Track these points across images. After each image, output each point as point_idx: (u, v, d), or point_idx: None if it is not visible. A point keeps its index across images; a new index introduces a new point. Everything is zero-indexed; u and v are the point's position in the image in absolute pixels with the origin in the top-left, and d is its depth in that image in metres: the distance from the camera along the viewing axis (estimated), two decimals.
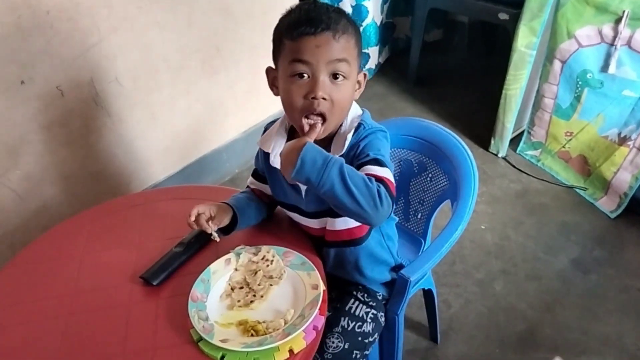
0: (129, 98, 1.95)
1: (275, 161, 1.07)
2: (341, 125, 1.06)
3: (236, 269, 1.08)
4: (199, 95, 2.22)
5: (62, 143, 1.79)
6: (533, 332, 1.71)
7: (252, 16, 2.25)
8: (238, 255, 1.09)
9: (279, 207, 1.26)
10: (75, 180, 1.88)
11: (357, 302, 1.19)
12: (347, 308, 1.18)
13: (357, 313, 1.18)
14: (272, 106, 2.58)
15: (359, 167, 0.98)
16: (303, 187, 1.10)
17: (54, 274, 1.13)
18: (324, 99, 0.96)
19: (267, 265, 1.06)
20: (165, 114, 2.12)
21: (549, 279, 1.90)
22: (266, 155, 1.12)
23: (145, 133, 2.07)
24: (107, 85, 1.85)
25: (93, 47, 1.76)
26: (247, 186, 1.26)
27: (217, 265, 1.07)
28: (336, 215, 1.10)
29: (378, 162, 0.99)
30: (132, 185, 2.09)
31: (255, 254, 1.09)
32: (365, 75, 1.07)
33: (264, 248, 1.10)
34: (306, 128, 0.98)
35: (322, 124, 0.98)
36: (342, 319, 1.16)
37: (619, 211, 2.11)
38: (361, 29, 2.86)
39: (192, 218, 1.07)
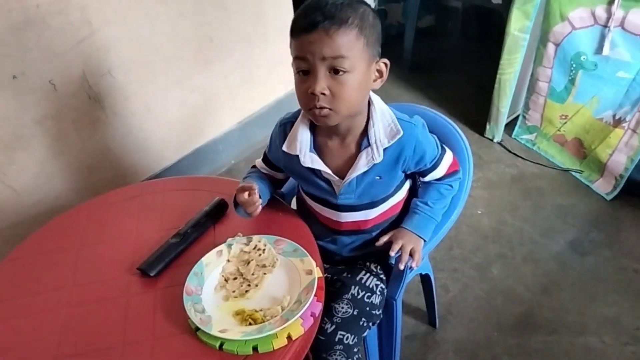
0: (122, 90, 1.94)
1: (307, 161, 1.08)
2: (367, 125, 1.06)
3: (228, 260, 1.08)
4: (193, 87, 2.21)
5: (57, 137, 1.79)
6: (531, 315, 1.73)
7: (244, 5, 2.23)
8: (229, 246, 1.09)
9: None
10: (71, 174, 1.87)
11: (368, 274, 1.21)
12: (358, 278, 1.20)
13: (367, 284, 1.19)
14: (268, 96, 2.58)
15: (430, 171, 1.15)
16: (338, 186, 1.11)
17: (52, 268, 1.13)
18: (323, 94, 0.95)
19: (259, 255, 1.06)
20: (160, 105, 2.11)
21: (546, 261, 1.91)
22: (293, 157, 1.11)
23: (140, 125, 2.07)
24: (100, 78, 1.85)
25: (84, 40, 1.75)
26: (255, 167, 1.28)
27: (209, 258, 1.07)
28: (375, 205, 1.15)
29: (434, 161, 1.14)
30: (128, 177, 2.09)
31: (247, 244, 1.09)
32: (386, 64, 1.03)
33: (255, 238, 1.10)
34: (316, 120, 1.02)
35: (329, 112, 0.98)
36: (353, 287, 1.18)
37: (615, 193, 2.12)
38: None
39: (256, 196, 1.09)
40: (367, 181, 1.10)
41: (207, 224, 1.17)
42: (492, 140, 2.52)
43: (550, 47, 2.15)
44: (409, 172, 1.16)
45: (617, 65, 1.99)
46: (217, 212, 1.20)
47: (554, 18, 2.08)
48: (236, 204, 1.14)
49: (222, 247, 1.09)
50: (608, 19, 1.92)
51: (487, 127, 2.52)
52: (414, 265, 1.14)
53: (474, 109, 2.66)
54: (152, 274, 1.06)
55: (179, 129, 2.24)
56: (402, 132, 1.04)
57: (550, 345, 1.63)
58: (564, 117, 2.27)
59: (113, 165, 2.02)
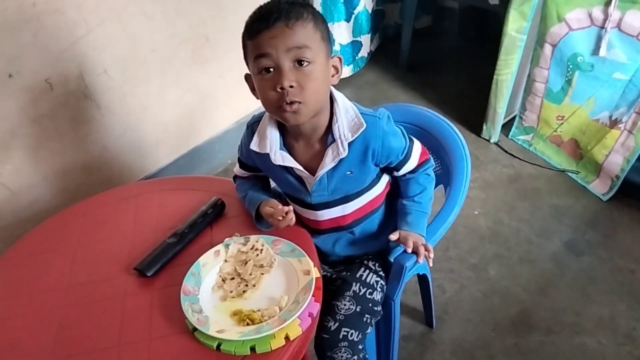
0: (118, 90, 1.93)
1: (277, 159, 1.09)
2: (331, 122, 1.07)
3: (226, 260, 1.07)
4: (189, 86, 2.21)
5: (53, 136, 1.78)
6: (527, 315, 1.73)
7: (240, 4, 2.22)
8: (227, 246, 1.09)
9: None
10: (67, 174, 1.87)
11: (367, 270, 1.23)
12: (358, 275, 1.21)
13: (368, 280, 1.21)
14: None
15: (403, 163, 1.15)
16: (310, 183, 1.11)
17: (48, 267, 1.12)
18: (291, 86, 0.96)
19: (257, 255, 1.06)
20: (156, 105, 2.10)
21: (542, 262, 1.91)
22: (264, 155, 1.11)
23: (136, 125, 2.06)
24: (96, 78, 1.84)
25: (80, 39, 1.74)
26: (237, 176, 1.28)
27: (206, 258, 1.07)
28: (350, 200, 1.16)
29: (405, 152, 1.14)
30: (124, 177, 2.08)
31: (244, 244, 1.09)
32: (340, 59, 1.06)
33: (253, 238, 1.10)
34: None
35: (299, 105, 0.98)
36: (354, 284, 1.19)
37: (611, 194, 2.12)
38: (353, 17, 2.84)
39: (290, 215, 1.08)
40: (339, 177, 1.11)
41: (205, 224, 1.17)
42: (489, 140, 2.52)
43: (547, 48, 2.15)
44: (382, 166, 1.16)
45: (614, 66, 1.99)
46: (215, 212, 1.20)
47: (551, 19, 2.08)
48: (258, 218, 1.14)
49: (220, 247, 1.09)
50: (605, 20, 1.92)
51: (484, 127, 2.52)
52: (431, 255, 1.15)
53: (470, 110, 2.66)
54: (149, 274, 1.05)
55: (175, 128, 2.23)
56: (365, 125, 1.05)
57: (547, 346, 1.63)
58: (560, 118, 2.27)
59: (109, 165, 2.02)
